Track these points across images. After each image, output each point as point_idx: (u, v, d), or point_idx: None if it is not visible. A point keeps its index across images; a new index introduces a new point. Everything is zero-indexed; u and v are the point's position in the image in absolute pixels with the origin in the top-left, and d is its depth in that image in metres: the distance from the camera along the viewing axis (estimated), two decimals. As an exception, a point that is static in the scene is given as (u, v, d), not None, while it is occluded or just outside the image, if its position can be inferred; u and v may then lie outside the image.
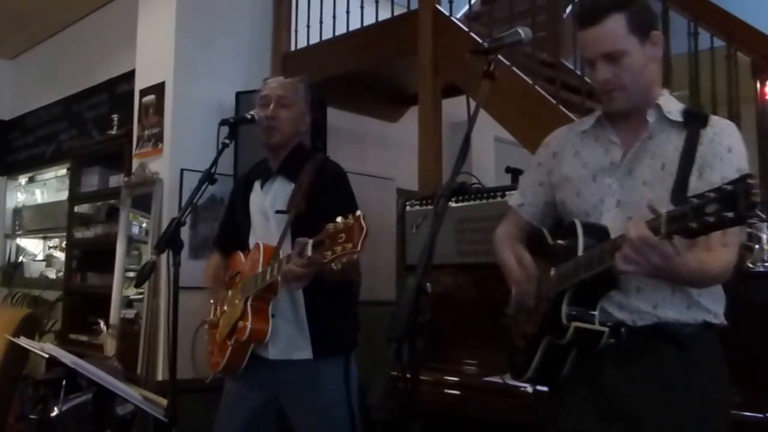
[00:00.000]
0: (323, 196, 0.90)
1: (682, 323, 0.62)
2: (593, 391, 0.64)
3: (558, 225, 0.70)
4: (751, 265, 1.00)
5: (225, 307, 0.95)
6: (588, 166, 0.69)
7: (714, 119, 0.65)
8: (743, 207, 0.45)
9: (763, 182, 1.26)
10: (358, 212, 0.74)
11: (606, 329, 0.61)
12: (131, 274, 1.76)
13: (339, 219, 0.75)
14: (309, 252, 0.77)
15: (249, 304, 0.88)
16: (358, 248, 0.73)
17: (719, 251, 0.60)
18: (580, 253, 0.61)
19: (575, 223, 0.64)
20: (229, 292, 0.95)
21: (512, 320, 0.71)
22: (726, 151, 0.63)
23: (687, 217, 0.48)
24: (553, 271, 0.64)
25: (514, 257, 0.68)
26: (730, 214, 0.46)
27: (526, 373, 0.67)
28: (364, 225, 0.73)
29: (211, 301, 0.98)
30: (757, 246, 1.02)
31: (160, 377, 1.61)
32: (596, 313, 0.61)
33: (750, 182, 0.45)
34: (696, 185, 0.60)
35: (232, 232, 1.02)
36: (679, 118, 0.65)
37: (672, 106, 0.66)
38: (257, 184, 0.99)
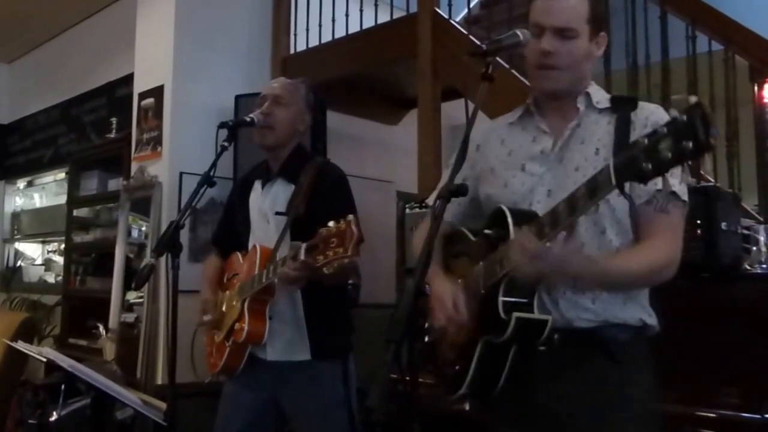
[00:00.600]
0: (323, 200, 0.90)
1: (618, 327, 0.60)
2: (527, 410, 0.61)
3: (480, 221, 0.65)
4: (748, 267, 1.01)
5: (223, 309, 0.94)
6: (514, 154, 0.66)
7: (642, 103, 0.63)
8: (702, 134, 0.41)
9: (762, 183, 1.27)
10: (350, 217, 0.74)
11: (549, 317, 0.57)
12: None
13: (331, 223, 0.75)
14: (302, 256, 0.77)
15: (246, 306, 0.88)
16: (349, 253, 0.72)
17: (646, 252, 0.57)
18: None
19: (503, 210, 0.60)
20: (227, 294, 0.95)
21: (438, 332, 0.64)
22: None
23: (639, 159, 0.44)
24: (480, 265, 0.60)
25: (449, 293, 0.60)
26: (690, 144, 0.41)
27: (461, 389, 0.61)
28: (355, 230, 0.72)
29: (206, 302, 0.97)
30: (754, 248, 1.02)
31: (159, 381, 1.61)
32: (534, 301, 0.57)
33: (705, 107, 0.41)
34: None
35: (230, 231, 1.01)
36: (606, 104, 0.64)
37: (600, 95, 0.66)
38: (257, 185, 0.98)
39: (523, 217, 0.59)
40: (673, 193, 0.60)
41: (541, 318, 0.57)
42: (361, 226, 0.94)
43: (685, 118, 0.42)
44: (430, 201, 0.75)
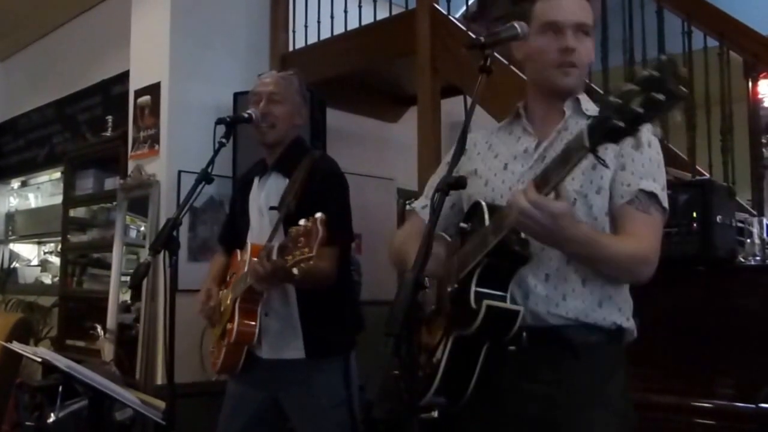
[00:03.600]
0: (314, 195, 0.89)
1: (589, 328, 0.59)
2: (496, 412, 0.60)
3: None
4: (742, 260, 1.02)
5: (221, 308, 0.94)
6: (500, 156, 0.67)
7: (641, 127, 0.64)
8: (674, 85, 0.40)
9: (755, 177, 1.27)
10: (319, 215, 0.73)
11: (521, 308, 0.56)
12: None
13: (302, 221, 0.74)
14: (274, 256, 0.77)
15: (237, 305, 0.88)
16: (313, 253, 0.71)
17: (628, 239, 0.57)
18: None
19: (480, 204, 0.59)
20: (225, 292, 0.95)
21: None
22: (647, 145, 0.61)
23: (610, 117, 0.43)
24: (454, 259, 0.59)
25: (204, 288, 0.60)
26: (661, 96, 0.41)
27: (428, 392, 0.58)
28: (320, 229, 0.71)
29: (208, 290, 0.96)
30: (748, 241, 1.04)
31: (159, 381, 1.60)
32: (507, 294, 0.56)
33: (677, 64, 0.41)
34: (615, 176, 0.58)
35: (234, 229, 1.01)
36: (595, 113, 0.64)
37: (590, 105, 0.66)
38: (256, 180, 0.98)
39: (499, 208, 0.58)
40: (655, 196, 0.60)
41: (512, 308, 0.56)
42: (361, 223, 0.95)
43: (656, 73, 0.42)
44: (414, 205, 0.75)
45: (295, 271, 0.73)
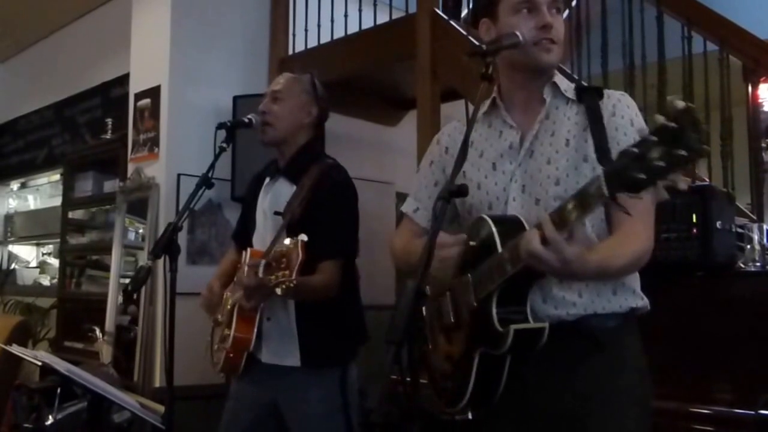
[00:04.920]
0: (320, 205, 0.88)
1: (607, 315, 0.60)
2: (523, 409, 0.60)
3: (457, 226, 0.66)
4: (742, 265, 1.02)
5: (221, 314, 0.94)
6: (485, 155, 0.66)
7: (608, 91, 0.64)
8: (694, 140, 0.40)
9: (756, 182, 1.28)
10: (302, 236, 0.72)
11: (546, 324, 0.57)
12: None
13: (287, 241, 0.73)
14: (261, 272, 0.77)
15: (236, 311, 0.88)
16: (293, 277, 0.71)
17: (627, 241, 0.57)
18: (500, 250, 0.56)
19: (485, 219, 0.59)
20: (227, 295, 0.95)
21: (425, 346, 0.65)
22: (629, 125, 0.61)
23: (630, 168, 0.43)
24: (469, 277, 0.59)
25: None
26: (683, 152, 0.40)
27: (462, 400, 0.60)
28: (300, 253, 0.71)
29: (210, 288, 0.95)
30: (748, 246, 1.04)
31: (157, 384, 1.60)
32: (527, 308, 0.57)
33: (695, 112, 0.41)
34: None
35: (245, 226, 1.00)
36: (572, 95, 0.64)
37: (566, 84, 0.65)
38: (266, 181, 0.98)
39: (508, 224, 0.59)
40: None
41: (538, 326, 0.57)
42: (360, 226, 0.95)
43: (675, 125, 0.42)
44: (404, 208, 0.74)
45: (277, 291, 0.73)
